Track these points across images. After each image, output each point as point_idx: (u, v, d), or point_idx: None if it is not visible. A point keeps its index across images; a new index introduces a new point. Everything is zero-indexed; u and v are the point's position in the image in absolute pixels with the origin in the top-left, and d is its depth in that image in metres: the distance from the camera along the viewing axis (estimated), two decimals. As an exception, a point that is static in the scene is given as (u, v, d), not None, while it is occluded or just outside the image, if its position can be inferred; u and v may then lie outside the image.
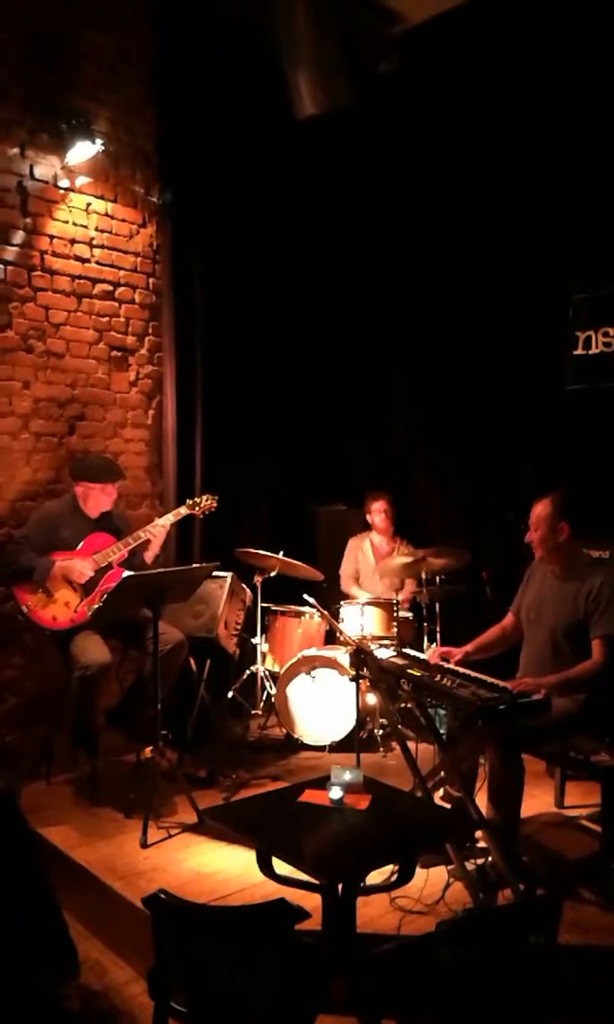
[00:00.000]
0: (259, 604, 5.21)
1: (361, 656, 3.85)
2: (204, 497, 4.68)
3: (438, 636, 5.08)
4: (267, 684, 5.19)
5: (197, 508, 4.64)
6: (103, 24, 5.07)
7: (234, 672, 5.15)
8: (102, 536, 4.47)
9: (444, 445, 6.05)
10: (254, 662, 5.22)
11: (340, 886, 2.65)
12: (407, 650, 4.04)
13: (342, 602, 5.34)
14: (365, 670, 3.94)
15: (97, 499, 4.48)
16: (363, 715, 4.91)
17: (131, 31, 5.21)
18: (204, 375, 5.52)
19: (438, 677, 3.49)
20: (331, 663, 5.00)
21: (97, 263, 5.16)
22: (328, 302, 6.26)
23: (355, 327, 6.37)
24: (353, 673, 4.41)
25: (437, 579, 5.20)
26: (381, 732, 5.10)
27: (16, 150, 4.74)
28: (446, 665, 3.68)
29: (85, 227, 5.08)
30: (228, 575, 4.80)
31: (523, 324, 5.44)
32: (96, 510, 4.49)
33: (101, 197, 5.15)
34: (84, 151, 4.90)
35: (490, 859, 3.37)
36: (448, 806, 3.71)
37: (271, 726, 5.28)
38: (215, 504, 4.67)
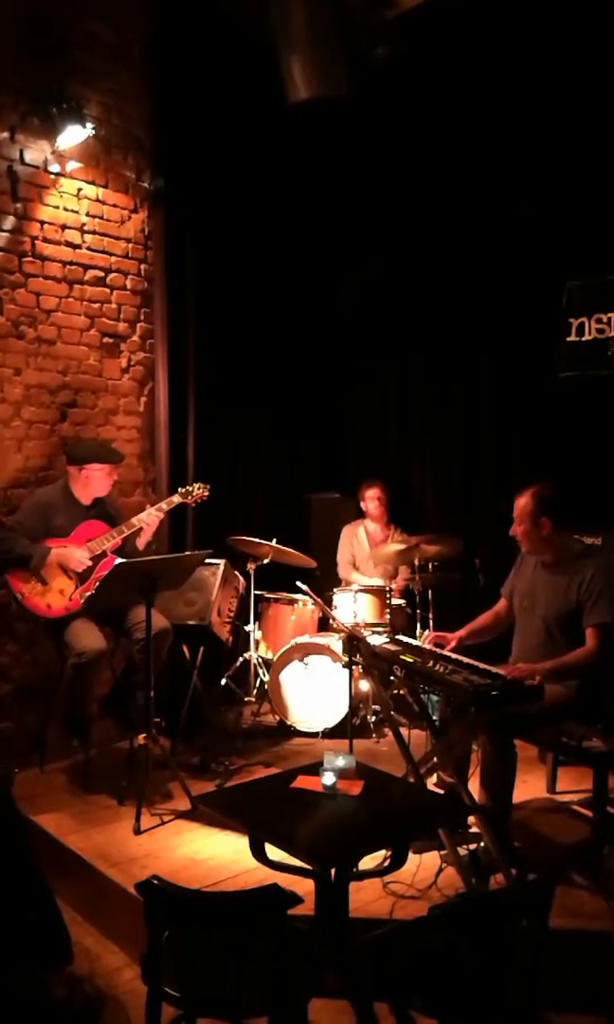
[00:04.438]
0: (252, 591, 5.21)
1: (354, 643, 3.86)
2: (196, 485, 4.67)
3: (431, 623, 5.09)
4: (260, 671, 5.20)
5: (190, 496, 4.62)
6: (99, 9, 5.02)
7: (227, 659, 5.16)
8: (95, 523, 4.46)
9: (437, 432, 6.05)
10: (247, 649, 5.23)
11: (333, 871, 2.65)
12: (400, 636, 4.04)
13: (335, 589, 5.35)
14: (358, 657, 3.94)
15: (100, 482, 4.45)
16: (356, 702, 4.93)
17: (127, 16, 5.16)
18: (196, 362, 5.49)
19: (431, 663, 3.50)
20: (324, 650, 5.01)
21: (88, 249, 5.12)
22: (323, 289, 6.23)
23: (349, 315, 6.35)
24: (346, 660, 4.41)
25: (430, 566, 5.21)
26: (374, 718, 5.12)
27: (6, 134, 4.69)
28: (439, 651, 3.69)
29: (76, 212, 5.04)
30: (221, 562, 4.80)
31: (517, 311, 5.44)
32: (91, 496, 4.48)
33: (92, 182, 5.11)
34: (75, 135, 4.85)
35: (482, 844, 3.38)
36: (441, 792, 3.73)
37: (264, 713, 5.29)
38: (207, 493, 4.66)
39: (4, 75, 4.64)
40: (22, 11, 4.66)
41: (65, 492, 4.48)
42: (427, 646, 3.76)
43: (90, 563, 4.33)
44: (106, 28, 5.07)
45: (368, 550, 5.76)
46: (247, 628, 5.23)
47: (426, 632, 4.64)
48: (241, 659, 5.22)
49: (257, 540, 5.10)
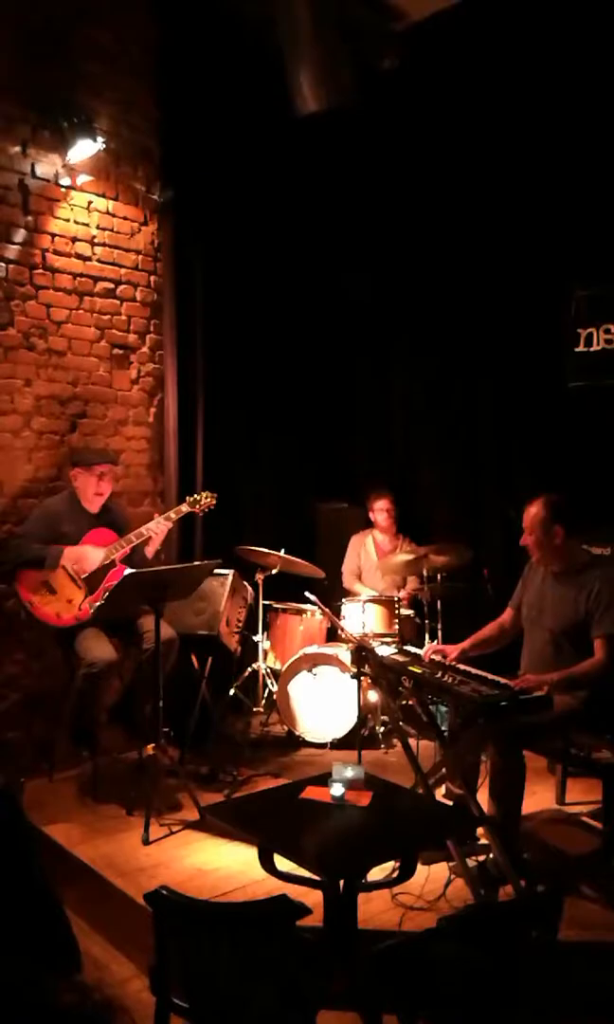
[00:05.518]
0: (260, 602, 5.22)
1: (362, 653, 3.86)
2: (204, 494, 4.69)
3: (439, 633, 5.09)
4: (268, 681, 5.20)
5: (197, 506, 4.65)
6: (105, 20, 5.07)
7: (236, 669, 5.16)
8: (103, 532, 4.49)
9: (445, 442, 6.04)
10: (256, 659, 5.23)
11: (341, 882, 2.65)
12: (408, 647, 4.04)
13: (344, 599, 5.35)
14: (366, 667, 3.94)
15: (85, 483, 4.47)
16: (364, 712, 4.92)
17: (133, 27, 5.21)
18: (205, 373, 5.51)
19: (439, 674, 3.50)
20: (332, 660, 5.00)
21: (98, 261, 5.16)
22: (329, 299, 6.25)
23: (357, 325, 6.36)
24: (354, 670, 4.41)
25: (438, 576, 5.21)
26: (382, 729, 5.11)
27: (18, 148, 4.74)
28: (447, 662, 3.69)
29: (86, 225, 5.08)
30: (229, 573, 4.81)
31: (525, 321, 5.44)
32: (94, 502, 4.51)
33: (102, 195, 5.15)
34: (86, 149, 4.89)
35: (491, 856, 3.37)
36: (449, 803, 3.72)
37: (273, 723, 5.29)
38: (214, 502, 4.68)
39: (15, 89, 4.68)
40: (30, 23, 4.71)
41: (72, 501, 4.52)
42: (427, 659, 3.74)
43: (105, 562, 4.36)
44: (113, 39, 5.12)
45: (376, 560, 5.76)
46: (255, 638, 5.24)
47: (434, 643, 4.64)
48: (250, 669, 5.22)
49: (265, 550, 5.11)
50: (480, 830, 3.55)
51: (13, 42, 4.67)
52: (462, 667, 3.62)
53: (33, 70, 4.74)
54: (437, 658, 3.75)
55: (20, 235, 4.78)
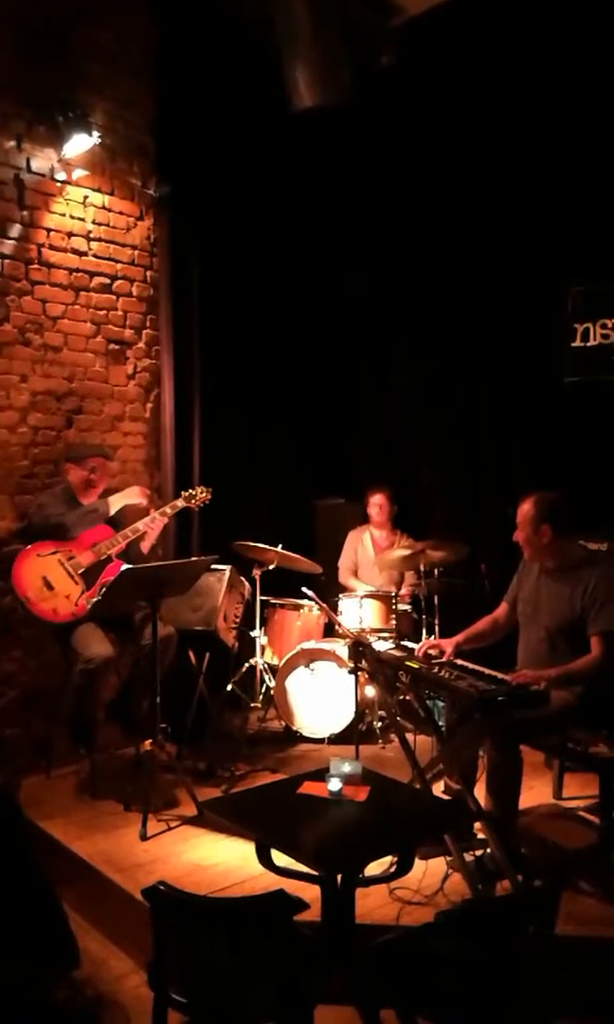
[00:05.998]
0: (258, 597, 5.21)
1: (359, 648, 3.86)
2: (199, 489, 4.70)
3: (436, 628, 5.09)
4: (266, 677, 5.20)
5: (193, 500, 4.65)
6: (101, 16, 5.05)
7: (233, 665, 5.16)
8: (100, 527, 4.48)
9: (442, 438, 6.04)
10: (253, 655, 5.23)
11: (339, 877, 2.65)
12: (405, 642, 4.04)
13: (341, 595, 5.35)
14: (364, 662, 3.94)
15: (75, 476, 4.54)
16: (362, 707, 4.92)
17: (130, 23, 5.19)
18: (202, 368, 5.50)
19: (436, 669, 3.50)
20: (330, 656, 5.00)
21: (94, 256, 5.14)
22: (326, 295, 6.24)
23: (354, 320, 6.36)
24: (352, 665, 4.41)
25: (435, 572, 5.21)
26: (380, 724, 5.11)
27: (13, 143, 4.72)
28: (444, 658, 3.69)
29: (82, 220, 5.06)
30: (227, 568, 4.80)
31: (521, 317, 5.44)
32: (89, 496, 4.52)
33: (98, 190, 5.13)
34: (81, 144, 4.87)
35: (488, 850, 3.38)
36: (447, 798, 3.72)
37: (270, 719, 5.28)
38: (210, 496, 4.68)
39: (11, 84, 4.67)
40: (26, 19, 4.69)
41: (67, 495, 4.53)
42: (422, 655, 3.74)
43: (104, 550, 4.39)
44: (110, 35, 5.10)
45: (373, 556, 5.76)
46: (253, 634, 5.23)
47: (431, 638, 4.64)
48: (247, 665, 5.21)
49: (263, 546, 5.11)
50: (477, 825, 3.56)
51: (13, 42, 4.65)
52: (459, 662, 3.62)
53: (33, 70, 4.73)
54: (433, 653, 3.75)
55: (15, 230, 4.76)
